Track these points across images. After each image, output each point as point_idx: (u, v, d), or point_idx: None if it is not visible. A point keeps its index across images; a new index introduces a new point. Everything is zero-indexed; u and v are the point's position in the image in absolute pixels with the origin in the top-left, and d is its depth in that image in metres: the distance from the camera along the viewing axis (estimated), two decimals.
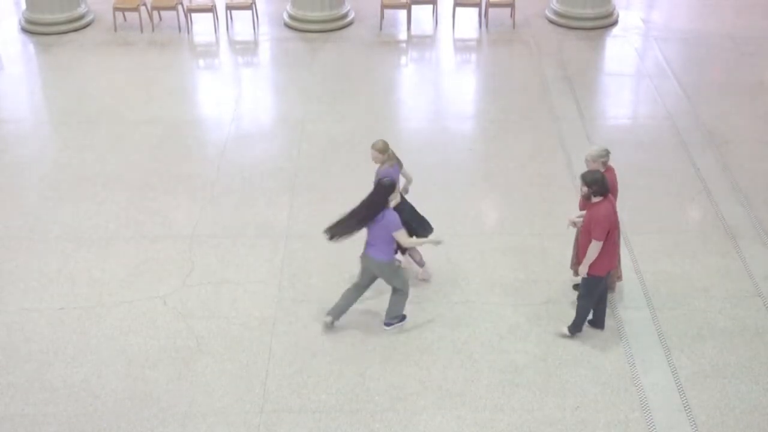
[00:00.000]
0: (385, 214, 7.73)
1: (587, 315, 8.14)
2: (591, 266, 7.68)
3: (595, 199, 7.58)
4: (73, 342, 8.22)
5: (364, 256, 7.97)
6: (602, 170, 7.94)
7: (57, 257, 9.33)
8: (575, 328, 8.15)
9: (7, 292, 8.85)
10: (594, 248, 7.55)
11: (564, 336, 8.17)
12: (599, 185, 7.51)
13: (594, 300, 8.03)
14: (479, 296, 8.73)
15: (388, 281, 8.08)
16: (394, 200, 8.08)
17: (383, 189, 7.78)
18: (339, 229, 7.86)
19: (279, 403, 7.57)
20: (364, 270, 8.09)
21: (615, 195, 8.07)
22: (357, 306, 8.51)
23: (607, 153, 8.02)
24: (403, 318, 8.36)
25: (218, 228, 9.78)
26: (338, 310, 8.28)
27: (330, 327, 8.29)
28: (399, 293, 8.16)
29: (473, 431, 7.29)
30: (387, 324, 8.32)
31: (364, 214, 7.77)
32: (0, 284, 8.95)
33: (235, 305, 8.66)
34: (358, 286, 8.22)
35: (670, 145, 11.29)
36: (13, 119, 12.14)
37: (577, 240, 8.22)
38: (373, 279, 8.16)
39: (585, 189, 7.58)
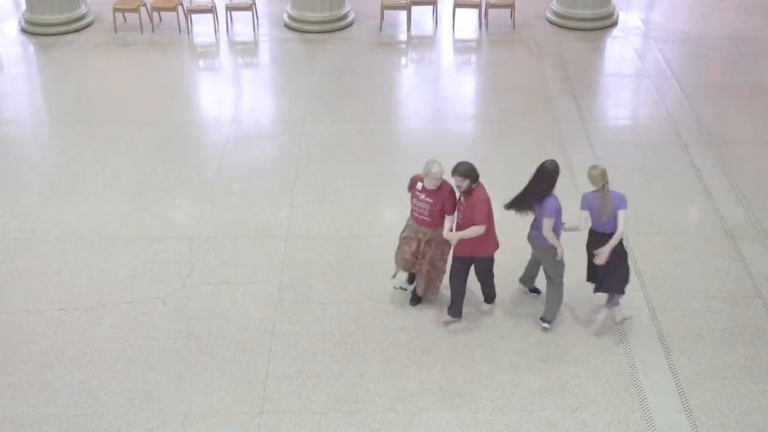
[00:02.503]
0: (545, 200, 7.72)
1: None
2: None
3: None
4: (73, 343, 8.22)
5: (529, 237, 8.10)
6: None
7: (57, 258, 9.34)
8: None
9: (7, 293, 8.85)
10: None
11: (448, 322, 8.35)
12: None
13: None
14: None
15: (546, 268, 8.16)
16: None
17: (545, 173, 7.71)
18: (514, 205, 8.02)
19: (279, 404, 7.57)
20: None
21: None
22: (356, 306, 8.54)
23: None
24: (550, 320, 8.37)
25: (218, 228, 9.78)
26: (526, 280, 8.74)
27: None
28: (553, 284, 8.17)
29: None
30: (542, 319, 8.35)
31: (525, 199, 7.89)
32: (0, 285, 8.96)
33: (235, 306, 8.66)
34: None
35: (670, 146, 11.30)
36: (13, 120, 12.14)
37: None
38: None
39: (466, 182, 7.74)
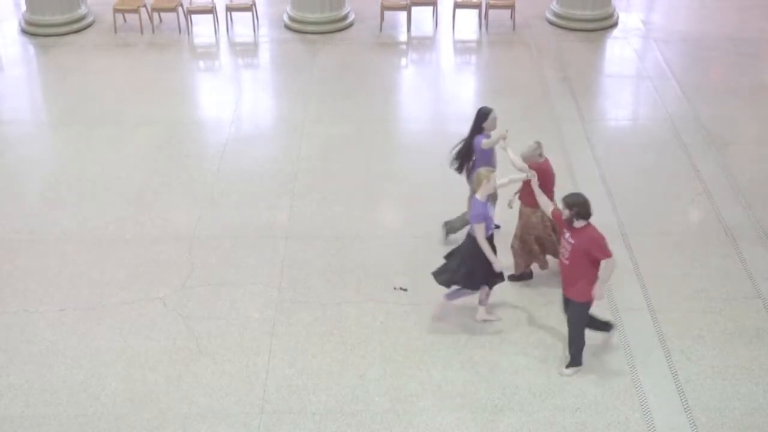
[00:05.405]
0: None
1: (583, 342, 7.79)
2: (582, 292, 7.42)
3: (578, 223, 7.28)
4: (73, 343, 8.22)
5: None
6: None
7: (57, 259, 9.33)
8: (575, 361, 7.85)
9: (8, 294, 8.85)
10: (609, 265, 7.28)
11: (566, 375, 7.81)
12: (581, 207, 7.23)
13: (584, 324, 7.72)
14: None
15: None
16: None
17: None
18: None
19: (279, 405, 7.57)
20: None
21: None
22: (356, 307, 8.54)
23: (539, 146, 8.52)
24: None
25: (218, 229, 9.78)
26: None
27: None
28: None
29: None
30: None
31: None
32: (0, 285, 8.96)
33: (235, 306, 8.66)
34: None
35: (670, 147, 11.30)
36: (13, 121, 12.14)
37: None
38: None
39: (567, 212, 7.26)
